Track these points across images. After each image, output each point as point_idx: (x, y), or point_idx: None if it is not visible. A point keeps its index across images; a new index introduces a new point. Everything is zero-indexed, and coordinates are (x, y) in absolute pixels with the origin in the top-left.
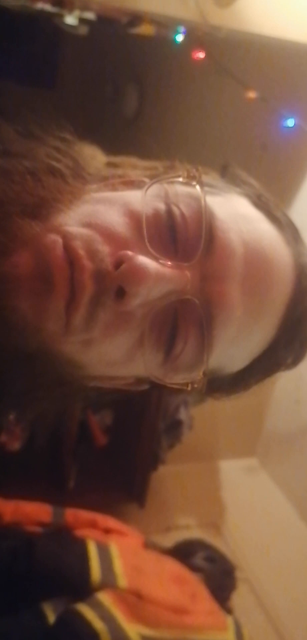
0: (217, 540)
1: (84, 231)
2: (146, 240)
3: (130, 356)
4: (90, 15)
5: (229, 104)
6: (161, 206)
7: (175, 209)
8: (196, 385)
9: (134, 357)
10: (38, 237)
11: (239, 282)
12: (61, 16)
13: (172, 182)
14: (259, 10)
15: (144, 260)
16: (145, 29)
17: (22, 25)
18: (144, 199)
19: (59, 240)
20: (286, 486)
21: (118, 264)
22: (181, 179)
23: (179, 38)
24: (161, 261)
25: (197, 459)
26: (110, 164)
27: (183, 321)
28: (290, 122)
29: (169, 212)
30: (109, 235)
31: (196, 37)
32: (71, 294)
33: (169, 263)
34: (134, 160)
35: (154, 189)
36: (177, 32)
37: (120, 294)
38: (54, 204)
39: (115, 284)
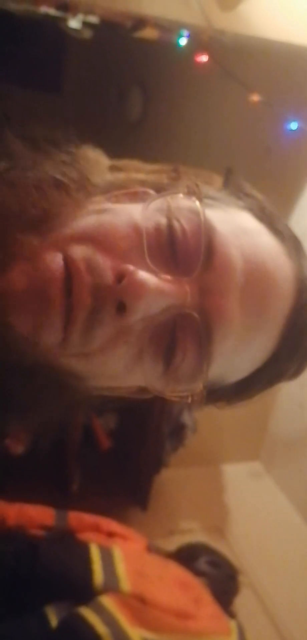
0: (220, 545)
1: (85, 244)
2: (146, 254)
3: (130, 368)
4: (94, 19)
5: (233, 107)
6: (162, 220)
7: (176, 224)
8: (195, 397)
9: (134, 370)
10: (37, 252)
11: (238, 296)
12: (65, 20)
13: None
14: (262, 14)
15: (144, 275)
16: (149, 33)
17: (26, 29)
18: (145, 213)
19: (59, 254)
20: (290, 490)
21: (119, 277)
22: (181, 195)
23: (183, 42)
24: (161, 276)
25: (200, 462)
26: (114, 168)
27: (182, 334)
28: (293, 126)
29: (170, 226)
30: (109, 248)
31: (199, 41)
32: (68, 309)
33: (169, 277)
34: (137, 163)
35: (157, 202)
36: (180, 36)
37: (121, 308)
38: (57, 217)
39: (116, 298)
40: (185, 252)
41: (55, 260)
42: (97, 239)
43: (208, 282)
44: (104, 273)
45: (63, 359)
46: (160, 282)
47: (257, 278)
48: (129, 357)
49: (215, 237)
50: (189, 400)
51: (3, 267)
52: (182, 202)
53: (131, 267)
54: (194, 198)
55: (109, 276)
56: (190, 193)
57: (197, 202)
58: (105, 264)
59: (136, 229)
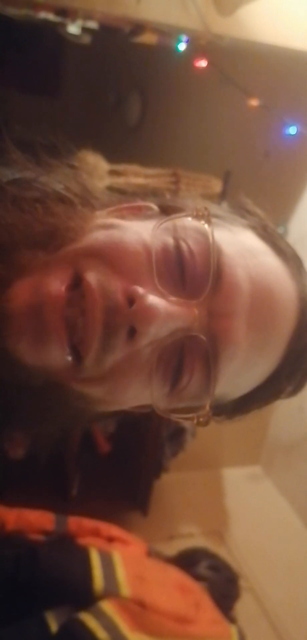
0: (220, 549)
1: (96, 261)
2: (155, 277)
3: (140, 392)
4: (93, 25)
5: (232, 112)
6: (170, 241)
7: (183, 245)
8: (201, 419)
9: (143, 392)
10: (45, 268)
11: (245, 318)
12: (64, 25)
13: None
14: (261, 19)
15: (154, 300)
16: (148, 38)
17: (25, 34)
18: (154, 232)
19: (70, 273)
20: (290, 494)
21: (129, 299)
22: (190, 219)
23: (182, 47)
24: (170, 299)
25: (200, 466)
26: (113, 172)
27: (189, 355)
28: (292, 130)
29: (178, 247)
30: (119, 267)
31: (198, 46)
32: (69, 332)
33: (178, 300)
34: (136, 167)
35: (165, 222)
36: (179, 41)
37: (131, 333)
38: (65, 232)
39: (127, 323)
40: (193, 274)
41: (62, 279)
42: (106, 256)
43: (216, 304)
44: (115, 295)
45: (75, 383)
46: (169, 306)
47: (263, 300)
48: (140, 380)
49: (223, 259)
50: (195, 422)
51: (6, 283)
52: (188, 222)
53: (141, 291)
54: (203, 222)
55: (119, 298)
56: (199, 217)
57: (206, 225)
58: (116, 285)
59: (145, 249)
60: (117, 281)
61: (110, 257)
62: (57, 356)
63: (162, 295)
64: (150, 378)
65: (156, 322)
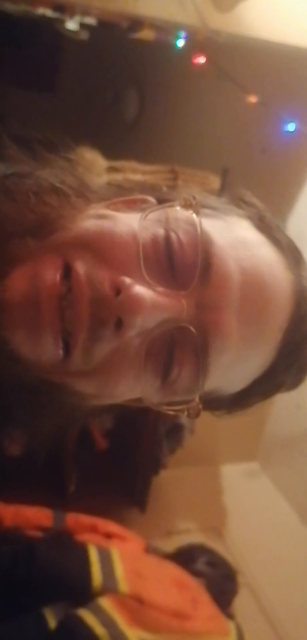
0: (218, 545)
1: (84, 251)
2: (142, 267)
3: (130, 385)
4: (91, 21)
5: (230, 108)
6: (160, 232)
7: (173, 236)
8: (191, 411)
9: (133, 385)
10: (36, 256)
11: (235, 310)
12: (62, 21)
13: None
14: (259, 15)
15: (140, 289)
16: (146, 34)
17: (23, 30)
18: (143, 223)
19: (59, 262)
20: (288, 490)
21: (116, 290)
22: (178, 208)
23: (180, 43)
24: (157, 289)
25: (198, 463)
26: (111, 169)
27: (179, 348)
28: (290, 127)
29: (167, 238)
30: (107, 257)
31: (196, 42)
32: (62, 324)
33: (165, 291)
34: (134, 164)
35: (155, 213)
36: (177, 37)
37: (119, 324)
38: (55, 221)
39: (114, 315)
40: (182, 264)
41: (54, 270)
42: (95, 246)
43: (205, 295)
44: (102, 286)
45: (65, 377)
46: (156, 296)
47: (254, 291)
48: (129, 372)
49: (212, 249)
50: (185, 414)
51: (1, 274)
52: (180, 213)
53: (128, 281)
54: (191, 210)
55: (106, 288)
56: (187, 205)
57: (194, 215)
58: (103, 275)
59: (134, 240)
60: (105, 272)
61: (99, 248)
62: (50, 349)
63: (149, 286)
64: (140, 370)
65: (142, 313)
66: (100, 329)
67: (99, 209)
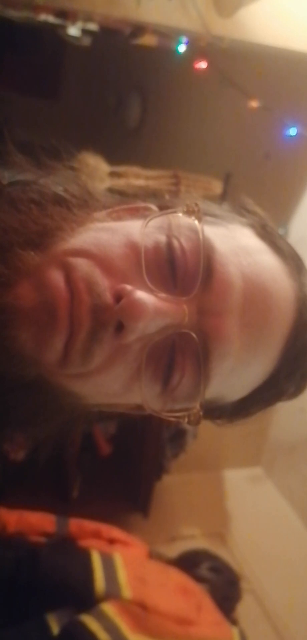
0: (222, 551)
1: (84, 262)
2: (144, 273)
3: (128, 388)
4: (93, 27)
5: (232, 113)
6: (162, 238)
7: (175, 242)
8: (192, 418)
9: (132, 389)
10: (39, 269)
11: (237, 317)
12: (64, 27)
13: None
14: (261, 20)
15: (142, 295)
16: (148, 40)
17: (25, 36)
18: (144, 230)
19: (61, 272)
20: (291, 495)
21: (117, 297)
22: (180, 215)
23: (182, 48)
24: (159, 295)
25: (201, 468)
26: (114, 174)
27: (180, 353)
28: (292, 131)
29: (169, 244)
30: (108, 267)
31: (198, 48)
32: (70, 329)
33: (167, 297)
34: (137, 169)
35: (157, 220)
36: (179, 43)
37: (119, 328)
38: (57, 232)
39: (114, 318)
40: (184, 271)
41: (58, 278)
42: (96, 257)
43: (207, 302)
44: (103, 294)
45: (62, 379)
46: (158, 302)
47: (256, 298)
48: (128, 376)
49: (214, 256)
50: (186, 420)
51: (8, 282)
52: (182, 220)
53: (129, 287)
54: (193, 217)
55: (107, 297)
56: (189, 212)
57: (196, 222)
58: (104, 284)
59: (134, 247)
60: (105, 280)
61: (98, 258)
62: (53, 350)
63: (151, 292)
64: (140, 375)
65: (144, 318)
66: (100, 331)
67: (101, 220)
